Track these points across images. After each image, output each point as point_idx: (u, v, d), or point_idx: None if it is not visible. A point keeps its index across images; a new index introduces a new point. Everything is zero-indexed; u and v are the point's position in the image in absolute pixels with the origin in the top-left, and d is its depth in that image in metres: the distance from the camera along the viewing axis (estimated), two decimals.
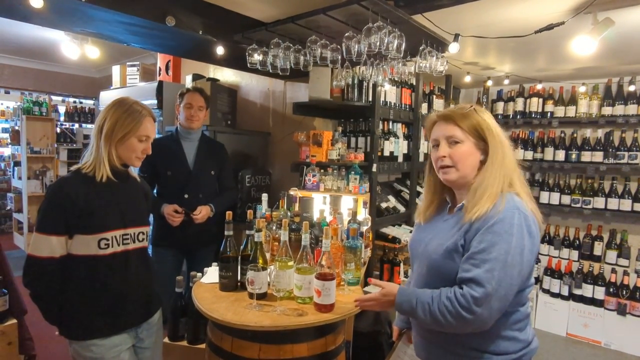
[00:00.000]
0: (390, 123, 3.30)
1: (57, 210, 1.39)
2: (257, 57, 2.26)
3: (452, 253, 1.23)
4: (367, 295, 1.42)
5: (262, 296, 1.67)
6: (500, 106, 4.32)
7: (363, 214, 2.51)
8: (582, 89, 3.77)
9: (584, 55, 2.95)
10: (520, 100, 4.19)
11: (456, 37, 2.39)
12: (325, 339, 1.57)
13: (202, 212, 2.47)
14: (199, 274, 1.99)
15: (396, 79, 2.31)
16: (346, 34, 1.93)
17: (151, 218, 3.14)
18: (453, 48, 2.38)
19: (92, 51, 4.40)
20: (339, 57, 2.12)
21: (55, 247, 1.39)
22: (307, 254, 1.64)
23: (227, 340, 1.53)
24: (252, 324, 1.44)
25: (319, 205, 2.52)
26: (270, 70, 2.29)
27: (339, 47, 2.08)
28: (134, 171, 1.71)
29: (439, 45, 2.40)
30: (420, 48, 2.23)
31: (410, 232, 3.35)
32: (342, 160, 2.87)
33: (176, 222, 2.41)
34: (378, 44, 1.79)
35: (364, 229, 2.36)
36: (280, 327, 1.44)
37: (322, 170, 2.81)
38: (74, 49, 4.46)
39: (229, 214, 1.74)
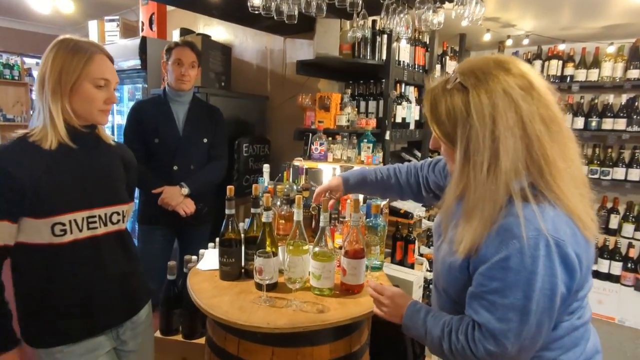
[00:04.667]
0: (403, 86, 2.98)
1: None
2: (258, 0, 1.89)
3: (458, 272, 0.93)
4: (383, 286, 1.15)
5: (273, 287, 1.39)
6: None
7: None
8: (610, 49, 3.45)
9: (616, 9, 2.63)
10: (537, 63, 3.87)
11: None
12: (350, 338, 1.31)
13: (173, 202, 2.13)
14: (194, 258, 1.71)
15: (423, 28, 1.96)
16: None
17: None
18: None
19: (66, 5, 3.92)
20: None
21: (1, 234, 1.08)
22: (326, 236, 1.36)
23: (232, 341, 1.27)
24: (264, 325, 1.16)
25: (328, 177, 2.23)
26: (275, 17, 1.92)
27: None
28: (123, 139, 1.38)
29: None
30: None
31: (423, 205, 3.09)
32: (352, 126, 2.56)
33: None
34: None
35: (382, 204, 2.08)
36: (298, 328, 1.17)
37: (330, 138, 2.50)
38: (45, 2, 3.98)
39: (230, 189, 1.44)
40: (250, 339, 1.23)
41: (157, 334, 1.68)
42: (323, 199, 1.44)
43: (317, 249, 1.35)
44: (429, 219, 3.01)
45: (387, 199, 2.00)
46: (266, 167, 2.28)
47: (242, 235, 1.51)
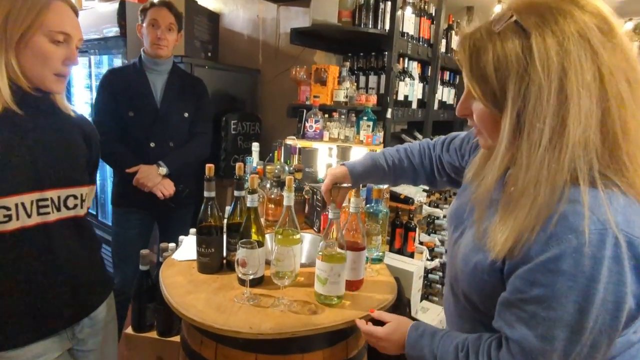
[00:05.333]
0: (406, 61, 2.75)
1: None
2: None
3: (487, 273, 0.74)
4: (372, 330, 0.96)
5: (258, 282, 1.20)
6: None
7: None
8: (628, 25, 3.24)
9: None
10: None
11: None
12: (347, 343, 1.12)
13: (149, 182, 1.91)
14: (171, 246, 1.51)
15: None
16: None
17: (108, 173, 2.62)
18: None
19: None
20: None
21: None
22: (335, 231, 1.13)
23: (209, 346, 1.08)
24: (245, 329, 0.97)
25: (324, 158, 2.03)
26: None
27: None
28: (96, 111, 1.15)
29: None
30: None
31: (424, 190, 2.89)
32: (350, 102, 2.33)
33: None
34: None
35: (384, 188, 1.88)
36: (286, 333, 0.98)
37: (326, 115, 2.28)
38: None
39: (209, 168, 1.23)
40: (229, 344, 1.04)
41: (129, 330, 1.49)
42: (334, 191, 1.22)
43: (325, 249, 1.10)
44: (429, 205, 2.83)
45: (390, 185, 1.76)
46: (255, 146, 2.07)
47: (225, 221, 1.31)
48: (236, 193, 1.27)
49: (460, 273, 0.81)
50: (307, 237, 1.68)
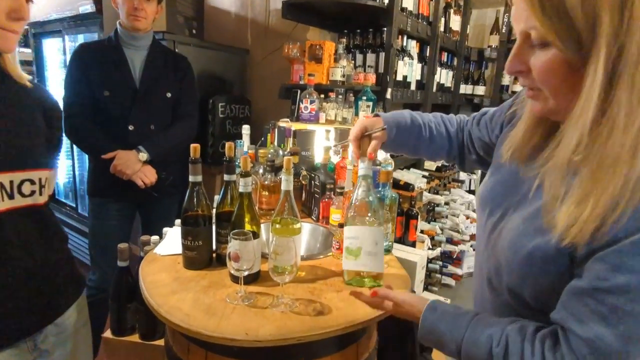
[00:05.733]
0: (405, 39, 2.58)
1: None
2: None
3: (552, 261, 0.59)
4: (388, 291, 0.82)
5: (254, 279, 1.05)
6: None
7: (382, 153, 1.87)
8: None
9: None
10: None
11: None
12: (357, 345, 0.98)
13: (128, 169, 1.74)
14: (154, 238, 1.34)
15: None
16: None
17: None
18: None
19: None
20: None
21: None
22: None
23: (197, 354, 0.92)
24: (240, 335, 0.82)
25: (321, 141, 1.87)
26: None
27: None
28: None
29: None
30: None
31: (424, 177, 2.76)
32: (348, 82, 2.17)
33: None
34: None
35: (390, 170, 1.73)
36: (289, 339, 0.83)
37: (322, 96, 2.11)
38: None
39: (194, 148, 1.06)
40: (222, 353, 0.89)
41: (108, 333, 1.32)
42: (363, 141, 0.99)
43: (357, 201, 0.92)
44: (429, 192, 2.71)
45: (392, 167, 1.57)
46: (246, 129, 1.89)
47: (214, 210, 1.15)
48: (226, 177, 1.11)
49: (505, 263, 0.66)
50: (306, 227, 1.53)
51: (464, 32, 3.36)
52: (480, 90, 3.64)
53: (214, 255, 1.15)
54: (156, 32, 2.08)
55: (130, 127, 1.78)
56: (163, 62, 1.87)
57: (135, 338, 1.32)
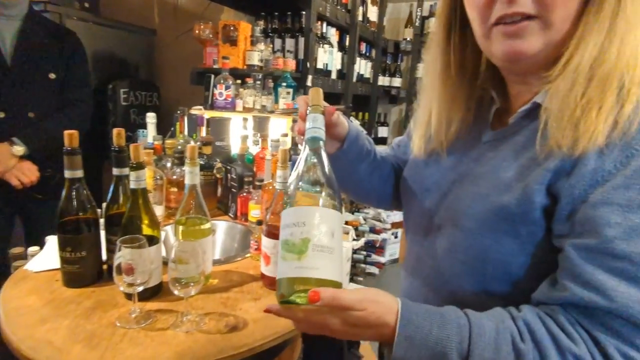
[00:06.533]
0: (324, 25, 2.50)
1: None
2: None
3: (515, 222, 0.52)
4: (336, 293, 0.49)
5: (153, 293, 0.87)
6: (433, 23, 3.74)
7: None
8: None
9: None
10: None
11: None
12: None
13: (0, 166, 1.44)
14: (32, 250, 1.08)
15: None
16: None
17: None
18: None
19: None
20: None
21: None
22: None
23: None
24: None
25: (238, 130, 1.70)
26: None
27: None
28: None
29: None
30: None
31: None
32: (266, 67, 2.02)
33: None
34: None
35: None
36: None
37: (238, 82, 1.94)
38: None
39: (69, 136, 0.85)
40: None
41: None
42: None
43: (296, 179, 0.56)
44: None
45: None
46: (150, 116, 1.66)
47: (101, 211, 0.95)
48: (115, 171, 0.91)
49: (466, 222, 0.57)
50: (221, 226, 1.37)
51: (381, 24, 3.39)
52: (397, 82, 3.71)
53: (106, 267, 0.95)
54: (35, 1, 1.74)
55: (1, 115, 1.45)
56: (43, 35, 1.56)
57: None
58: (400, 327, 0.48)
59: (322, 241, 0.51)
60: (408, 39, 3.60)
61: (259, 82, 1.93)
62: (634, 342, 0.43)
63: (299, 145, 0.64)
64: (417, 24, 3.52)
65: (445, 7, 0.64)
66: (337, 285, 0.50)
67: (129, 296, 0.84)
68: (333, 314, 0.49)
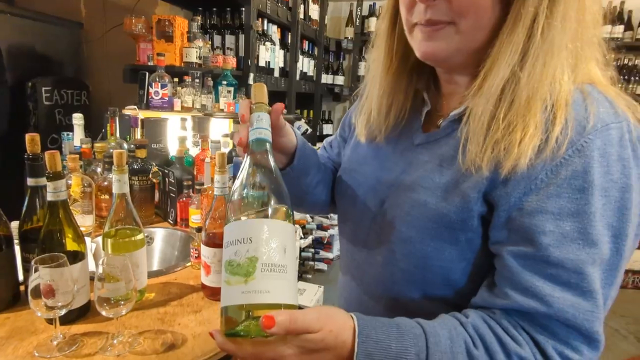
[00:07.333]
0: (266, 23, 2.45)
1: None
2: None
3: (454, 230, 0.53)
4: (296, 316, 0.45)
5: (80, 314, 0.79)
6: (373, 22, 3.81)
7: None
8: None
9: None
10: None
11: None
12: None
13: None
14: None
15: None
16: None
17: None
18: None
19: None
20: None
21: None
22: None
23: None
24: None
25: (176, 131, 1.62)
26: None
27: None
28: None
29: None
30: None
31: None
32: (205, 64, 1.94)
33: None
34: None
35: None
36: None
37: (176, 80, 1.84)
38: None
39: None
40: None
41: None
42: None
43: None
44: None
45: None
46: (78, 117, 1.54)
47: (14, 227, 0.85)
48: (30, 181, 0.81)
49: (402, 226, 0.57)
50: (160, 233, 1.30)
51: (322, 22, 3.40)
52: (340, 80, 3.75)
53: (23, 289, 0.85)
54: None
55: None
56: None
57: None
58: (359, 344, 0.46)
59: (272, 259, 0.45)
60: (349, 37, 3.65)
61: (197, 80, 1.84)
62: (569, 342, 0.46)
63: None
64: (357, 23, 3.58)
65: (388, 14, 0.63)
66: (293, 308, 0.45)
67: (50, 321, 0.75)
68: (287, 343, 0.44)
